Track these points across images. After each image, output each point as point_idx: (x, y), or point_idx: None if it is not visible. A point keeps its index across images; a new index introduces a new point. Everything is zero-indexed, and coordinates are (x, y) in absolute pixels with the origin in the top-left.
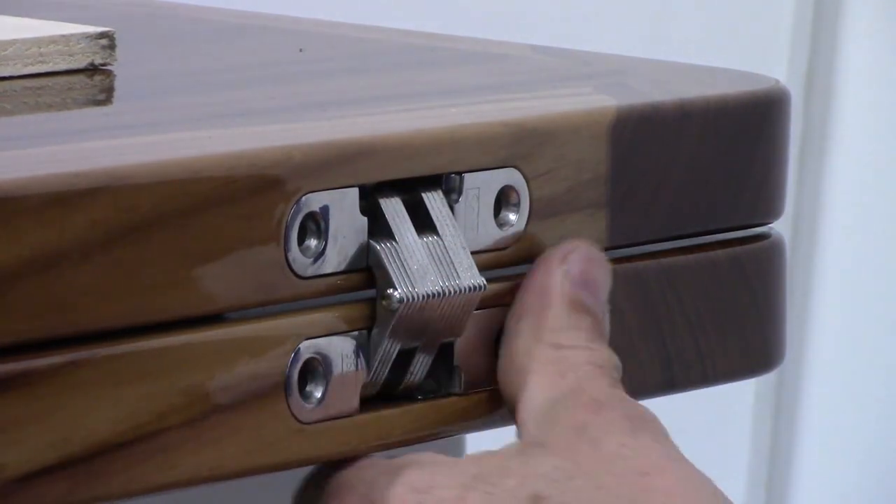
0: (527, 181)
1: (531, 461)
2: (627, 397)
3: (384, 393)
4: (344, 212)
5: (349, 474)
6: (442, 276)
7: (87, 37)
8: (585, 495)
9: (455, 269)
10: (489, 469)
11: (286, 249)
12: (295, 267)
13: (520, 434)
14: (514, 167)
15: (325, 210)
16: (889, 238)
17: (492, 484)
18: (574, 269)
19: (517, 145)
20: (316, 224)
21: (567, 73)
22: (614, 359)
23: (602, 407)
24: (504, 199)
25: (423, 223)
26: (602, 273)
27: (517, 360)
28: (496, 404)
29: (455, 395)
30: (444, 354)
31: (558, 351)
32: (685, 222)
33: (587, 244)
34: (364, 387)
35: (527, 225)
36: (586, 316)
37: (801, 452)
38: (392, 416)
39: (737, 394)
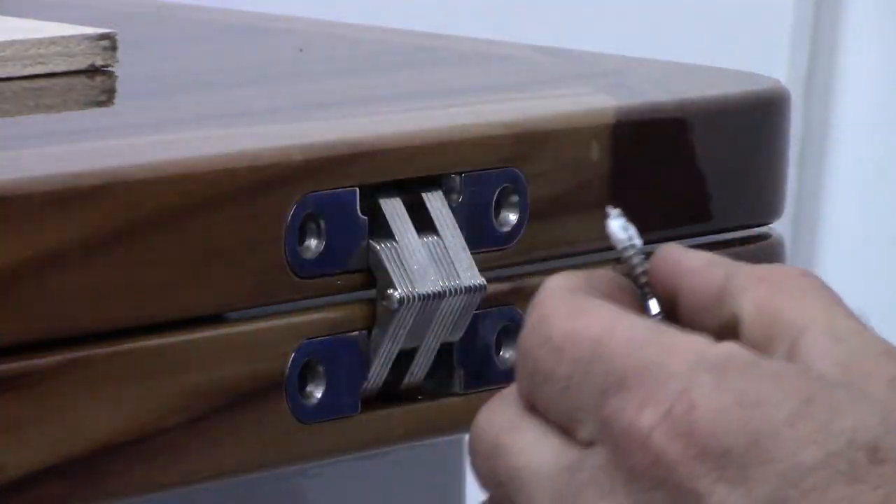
0: (527, 181)
1: (860, 404)
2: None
3: (384, 393)
4: (344, 212)
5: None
6: (442, 277)
7: (87, 38)
8: None
9: (455, 269)
10: (819, 394)
11: (286, 249)
12: (295, 267)
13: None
14: (514, 167)
15: (325, 210)
16: (889, 238)
17: (824, 418)
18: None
19: (517, 145)
20: (316, 224)
21: (567, 73)
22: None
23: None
24: (504, 199)
25: (423, 223)
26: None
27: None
28: None
29: (455, 395)
30: (444, 354)
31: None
32: (685, 222)
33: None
34: (364, 387)
35: (527, 225)
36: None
37: None
38: (392, 416)
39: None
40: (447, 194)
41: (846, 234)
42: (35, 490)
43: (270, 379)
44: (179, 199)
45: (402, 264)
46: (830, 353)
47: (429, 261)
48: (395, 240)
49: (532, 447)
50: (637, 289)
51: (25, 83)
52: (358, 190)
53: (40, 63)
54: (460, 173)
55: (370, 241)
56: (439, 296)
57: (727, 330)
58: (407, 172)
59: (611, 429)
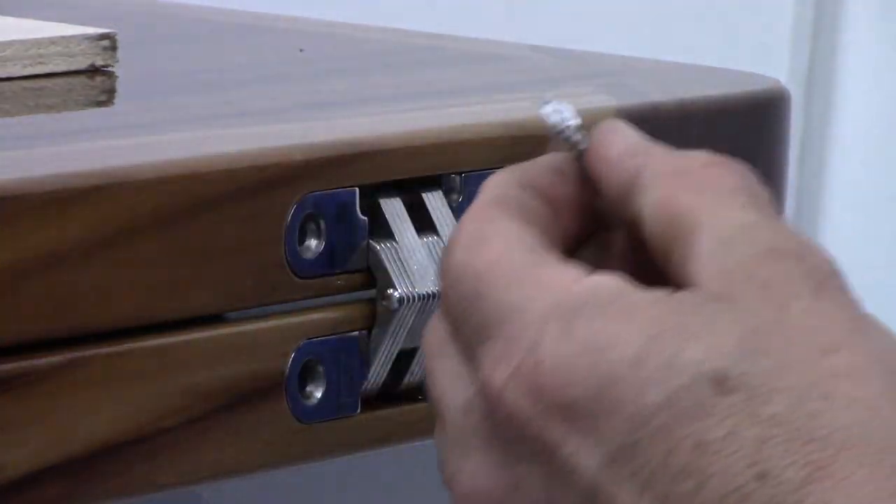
0: None
1: (717, 326)
2: (794, 234)
3: (384, 393)
4: (344, 212)
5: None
6: None
7: (87, 38)
8: (770, 382)
9: None
10: (668, 327)
11: (286, 249)
12: (295, 267)
13: (688, 275)
14: None
15: (325, 210)
16: (889, 237)
17: (670, 353)
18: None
19: (517, 145)
20: (316, 224)
21: (567, 73)
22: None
23: (780, 256)
24: None
25: (423, 223)
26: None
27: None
28: None
29: None
30: None
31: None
32: None
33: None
34: (364, 387)
35: None
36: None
37: None
38: (392, 416)
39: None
40: (447, 194)
41: (846, 233)
42: (35, 490)
43: (270, 379)
44: (179, 199)
45: (402, 264)
46: (714, 258)
47: (429, 261)
48: (395, 240)
49: (447, 378)
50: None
51: (25, 83)
52: (358, 190)
53: (40, 63)
54: (460, 173)
55: (370, 241)
56: (439, 296)
57: (635, 228)
58: (407, 172)
59: (478, 380)
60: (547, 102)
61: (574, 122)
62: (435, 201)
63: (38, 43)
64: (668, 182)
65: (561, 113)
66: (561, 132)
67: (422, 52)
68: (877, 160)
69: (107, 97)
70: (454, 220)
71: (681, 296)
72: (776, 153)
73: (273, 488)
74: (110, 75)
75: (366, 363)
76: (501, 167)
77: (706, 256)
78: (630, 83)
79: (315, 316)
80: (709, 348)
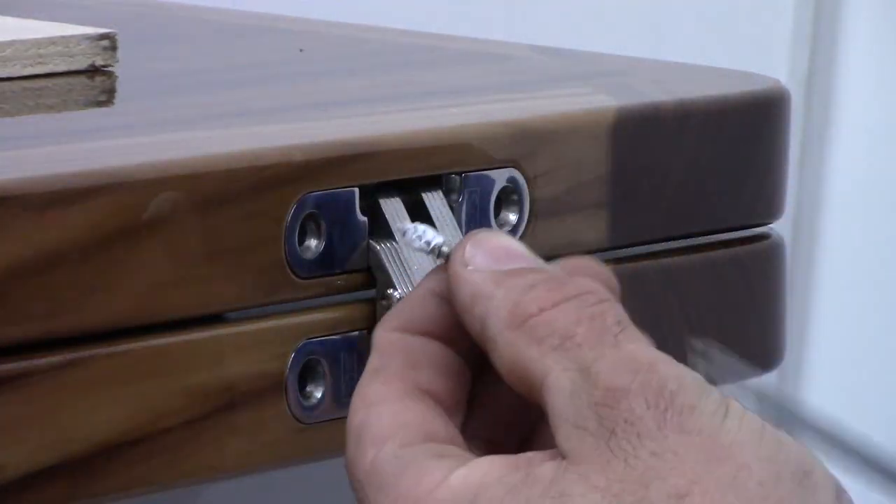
0: (527, 181)
1: (567, 500)
2: (633, 357)
3: None
4: (344, 212)
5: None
6: None
7: (87, 38)
8: None
9: None
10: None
11: (286, 249)
12: (295, 267)
13: (553, 431)
14: (514, 167)
15: (325, 210)
16: (889, 238)
17: None
18: (478, 259)
19: (517, 145)
20: (316, 224)
21: (567, 73)
22: (591, 297)
23: (618, 395)
24: (504, 199)
25: (423, 223)
26: (497, 238)
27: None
28: None
29: None
30: None
31: (535, 330)
32: (685, 222)
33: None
34: None
35: (527, 225)
36: (523, 277)
37: None
38: None
39: (737, 394)
40: (447, 194)
41: (846, 234)
42: (35, 490)
43: (270, 379)
44: (180, 199)
45: (402, 264)
46: (562, 417)
47: (429, 261)
48: (395, 240)
49: None
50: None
51: (25, 83)
52: (358, 190)
53: (40, 63)
54: (460, 173)
55: (370, 241)
56: None
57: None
58: (407, 172)
59: None
60: (405, 230)
61: (436, 240)
62: (435, 201)
63: (38, 43)
64: (509, 338)
65: (422, 237)
66: (429, 254)
67: (422, 52)
68: (877, 160)
69: (107, 97)
70: (454, 220)
71: (536, 474)
72: (776, 153)
73: (273, 488)
74: (110, 75)
75: (366, 363)
76: (501, 167)
77: (557, 417)
78: (630, 83)
79: (315, 316)
80: None
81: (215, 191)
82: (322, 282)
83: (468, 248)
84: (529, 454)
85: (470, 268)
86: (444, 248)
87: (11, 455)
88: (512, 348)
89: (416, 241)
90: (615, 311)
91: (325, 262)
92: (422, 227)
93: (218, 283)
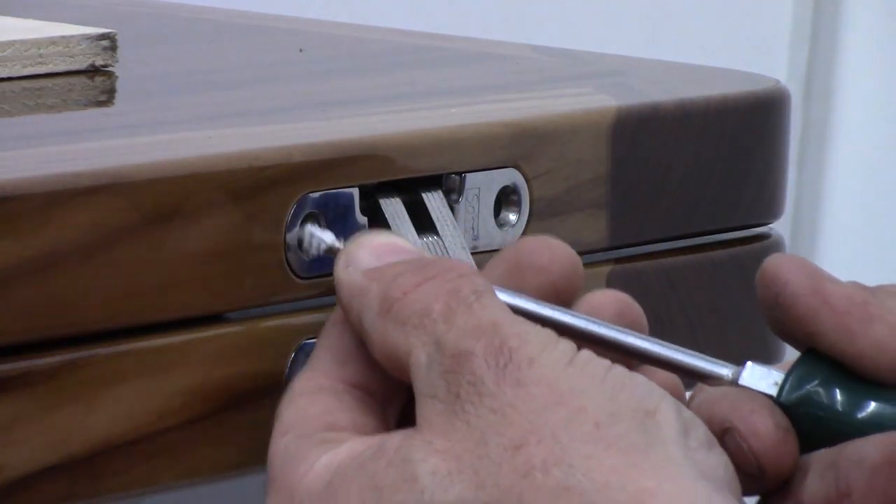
0: (527, 181)
1: (409, 466)
2: (477, 320)
3: None
4: (344, 212)
5: None
6: None
7: (87, 38)
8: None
9: None
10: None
11: (286, 250)
12: (295, 267)
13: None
14: (514, 167)
15: (325, 210)
16: (889, 238)
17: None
18: (360, 258)
19: (517, 145)
20: (316, 224)
21: (567, 73)
22: (452, 272)
23: (461, 359)
24: (504, 199)
25: (423, 223)
26: (379, 237)
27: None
28: None
29: None
30: None
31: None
32: (685, 222)
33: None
34: None
35: (527, 225)
36: (394, 268)
37: None
38: None
39: None
40: (447, 194)
41: (846, 233)
42: (35, 490)
43: (270, 379)
44: (179, 199)
45: None
46: (421, 386)
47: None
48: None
49: None
50: None
51: (25, 83)
52: (358, 190)
53: (40, 63)
54: (460, 173)
55: None
56: None
57: None
58: (407, 172)
59: None
60: (301, 239)
61: (336, 245)
62: (435, 201)
63: (38, 43)
64: (379, 326)
65: (321, 242)
66: (328, 256)
67: (422, 52)
68: (877, 160)
69: (107, 97)
70: (454, 220)
71: (385, 447)
72: (776, 153)
73: None
74: (110, 75)
75: None
76: (501, 167)
77: (416, 392)
78: (630, 83)
79: (315, 316)
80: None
81: (215, 191)
82: (322, 282)
83: (349, 249)
84: (391, 432)
85: (350, 268)
86: (339, 247)
87: (11, 455)
88: (381, 335)
89: (315, 249)
90: (472, 282)
91: (326, 262)
92: (318, 232)
93: (218, 283)
